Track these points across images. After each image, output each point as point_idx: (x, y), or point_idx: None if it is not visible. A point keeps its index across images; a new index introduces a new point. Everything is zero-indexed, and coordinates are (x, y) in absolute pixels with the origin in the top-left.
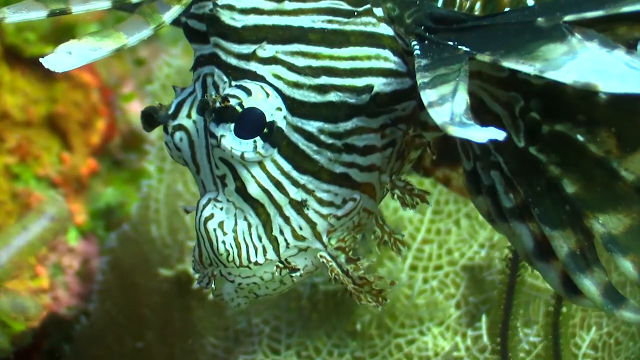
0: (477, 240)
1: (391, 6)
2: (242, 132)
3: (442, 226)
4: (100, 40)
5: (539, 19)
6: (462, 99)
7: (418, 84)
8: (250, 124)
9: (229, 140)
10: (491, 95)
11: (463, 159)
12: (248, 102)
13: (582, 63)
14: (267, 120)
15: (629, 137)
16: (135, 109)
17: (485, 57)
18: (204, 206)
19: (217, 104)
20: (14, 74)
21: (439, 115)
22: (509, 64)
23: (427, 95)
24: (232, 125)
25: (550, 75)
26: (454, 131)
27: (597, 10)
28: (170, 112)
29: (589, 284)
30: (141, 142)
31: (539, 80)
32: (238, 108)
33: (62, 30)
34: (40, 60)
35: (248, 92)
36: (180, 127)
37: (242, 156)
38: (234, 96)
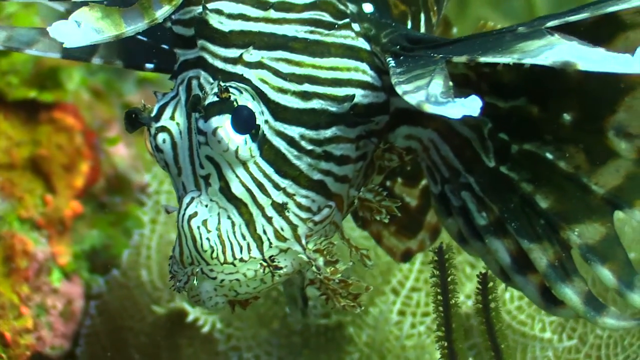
0: (463, 291)
1: (368, 26)
2: (236, 127)
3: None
4: (104, 19)
5: (520, 27)
6: (437, 84)
7: (393, 83)
8: (243, 121)
9: (227, 131)
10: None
11: (430, 183)
12: (241, 100)
13: (560, 50)
14: (257, 121)
15: (596, 153)
16: (120, 152)
17: (461, 58)
18: (188, 204)
19: (213, 97)
20: None
21: (414, 97)
22: (485, 58)
23: (403, 88)
24: (230, 116)
25: (528, 61)
26: (429, 108)
27: (580, 14)
28: (152, 114)
29: (571, 293)
30: (126, 185)
31: (506, 103)
32: (234, 102)
33: (45, 74)
34: (48, 28)
35: (239, 91)
36: (163, 129)
37: (236, 150)
38: (229, 91)
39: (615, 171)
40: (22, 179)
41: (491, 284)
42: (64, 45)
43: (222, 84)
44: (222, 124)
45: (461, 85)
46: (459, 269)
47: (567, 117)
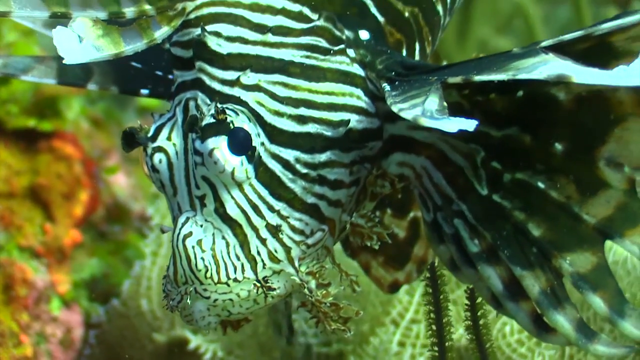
0: (462, 325)
1: (364, 52)
2: (232, 149)
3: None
4: (104, 37)
5: (514, 49)
6: (433, 101)
7: (389, 103)
8: (239, 142)
9: (223, 152)
10: (452, 147)
11: (422, 211)
12: (237, 122)
13: (554, 65)
14: (252, 143)
15: (587, 183)
16: (119, 181)
17: (456, 79)
18: (183, 224)
19: (210, 119)
20: None
21: (410, 113)
22: (481, 77)
23: (398, 106)
24: (226, 138)
25: (523, 76)
26: (425, 122)
27: (574, 33)
28: (149, 135)
29: (562, 320)
30: (125, 214)
31: (498, 132)
32: (230, 124)
33: (44, 103)
34: (53, 31)
35: (236, 113)
36: (160, 149)
37: (232, 172)
38: (225, 113)
39: (606, 202)
40: (22, 208)
41: (479, 299)
42: (63, 62)
43: (219, 105)
44: (219, 145)
45: (454, 114)
46: (458, 303)
47: (558, 146)
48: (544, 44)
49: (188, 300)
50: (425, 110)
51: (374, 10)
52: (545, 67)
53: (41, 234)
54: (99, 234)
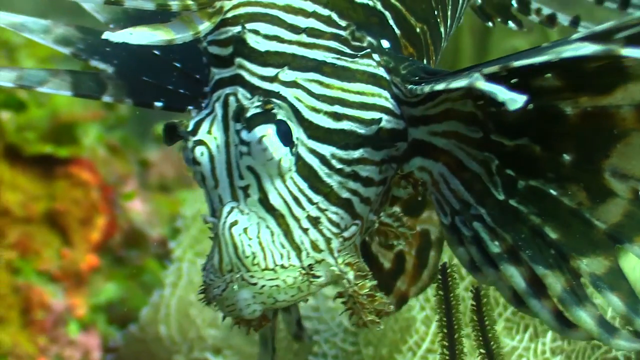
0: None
1: (387, 59)
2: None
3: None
4: (154, 30)
5: (544, 44)
6: (479, 77)
7: (429, 89)
8: (282, 134)
9: (272, 139)
10: (468, 154)
11: (440, 214)
12: (280, 115)
13: (595, 46)
14: (293, 137)
15: (595, 191)
16: (136, 207)
17: (493, 68)
18: (229, 213)
19: (256, 109)
20: (14, 171)
21: (461, 81)
22: (519, 63)
23: (442, 85)
24: (274, 126)
25: (568, 54)
26: (483, 85)
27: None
28: (189, 129)
29: (585, 316)
30: (142, 239)
31: (510, 141)
32: (277, 115)
33: (61, 129)
34: (105, 36)
35: (279, 106)
36: (201, 142)
37: (280, 160)
38: (271, 103)
39: (614, 209)
40: (39, 233)
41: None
42: (123, 40)
43: (263, 98)
44: (267, 132)
45: (469, 123)
46: (470, 338)
47: (566, 157)
48: (575, 36)
49: (235, 287)
50: (479, 77)
51: (391, 22)
52: (587, 48)
53: (58, 258)
54: (116, 259)
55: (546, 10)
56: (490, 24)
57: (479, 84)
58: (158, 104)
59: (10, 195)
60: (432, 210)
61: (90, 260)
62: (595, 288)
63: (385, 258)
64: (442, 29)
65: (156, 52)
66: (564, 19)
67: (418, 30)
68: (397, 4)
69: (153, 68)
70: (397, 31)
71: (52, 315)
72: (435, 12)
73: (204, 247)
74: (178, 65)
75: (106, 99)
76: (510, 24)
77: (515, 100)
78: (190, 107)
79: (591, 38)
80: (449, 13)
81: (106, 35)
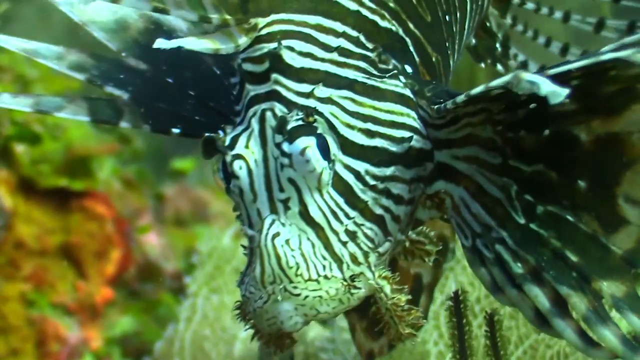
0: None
1: (412, 82)
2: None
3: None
4: (201, 39)
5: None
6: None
7: (467, 93)
8: (322, 148)
9: (314, 151)
10: (488, 179)
11: (460, 237)
12: (320, 129)
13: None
14: (331, 152)
15: (608, 220)
16: (151, 240)
17: (530, 74)
18: (270, 224)
19: (298, 121)
20: (29, 204)
21: (502, 79)
22: (557, 70)
23: (486, 86)
24: (315, 139)
25: (607, 57)
26: (527, 76)
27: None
28: (226, 144)
29: (610, 335)
30: (157, 273)
31: (528, 167)
32: (317, 128)
33: (75, 162)
34: (157, 44)
35: (318, 121)
36: (239, 157)
37: (321, 172)
38: (314, 116)
39: (628, 237)
40: (54, 266)
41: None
42: (177, 46)
43: (306, 109)
44: (309, 144)
45: (489, 149)
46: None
47: (581, 184)
48: (606, 48)
49: (279, 298)
50: (518, 74)
51: (412, 48)
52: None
53: (73, 291)
54: (131, 292)
55: (520, 57)
56: (482, 65)
57: (523, 75)
58: (175, 130)
59: (25, 228)
60: None
61: (105, 293)
62: (617, 309)
63: None
64: (451, 61)
65: (169, 79)
66: (533, 67)
67: (434, 59)
68: (417, 31)
69: (168, 95)
70: (417, 58)
71: (67, 348)
72: (447, 44)
73: (219, 283)
74: (192, 93)
75: (123, 124)
76: (499, 66)
77: (558, 93)
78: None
79: (624, 46)
80: (455, 47)
81: (158, 43)
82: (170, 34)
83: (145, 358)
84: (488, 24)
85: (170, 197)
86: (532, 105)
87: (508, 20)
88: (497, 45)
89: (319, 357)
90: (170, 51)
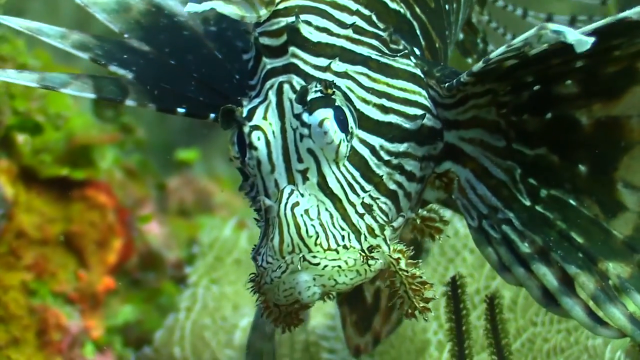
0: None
1: (421, 62)
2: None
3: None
4: (228, 3)
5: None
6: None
7: (482, 64)
8: (339, 120)
9: (332, 122)
10: (493, 162)
11: (466, 217)
12: (337, 101)
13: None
14: (349, 125)
15: (607, 205)
16: (153, 230)
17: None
18: (290, 194)
19: (318, 93)
20: (30, 194)
21: (526, 34)
22: (587, 29)
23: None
24: (332, 111)
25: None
26: (553, 27)
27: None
28: (244, 115)
29: (618, 313)
30: (159, 262)
31: (531, 151)
32: (335, 101)
33: (77, 151)
34: (188, 8)
35: (337, 93)
36: (258, 128)
37: (339, 144)
38: (332, 87)
39: (625, 223)
40: (55, 255)
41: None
42: (208, 8)
43: (325, 81)
44: (327, 115)
45: (493, 131)
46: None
47: (582, 168)
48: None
49: (298, 267)
50: (543, 26)
51: (418, 32)
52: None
53: (75, 280)
54: (133, 282)
55: None
56: (469, 60)
57: (549, 25)
58: (181, 110)
59: (26, 217)
60: None
61: (106, 282)
62: (622, 289)
63: (368, 291)
64: (448, 51)
65: (172, 61)
66: None
67: (437, 45)
68: (422, 16)
69: (171, 77)
70: (423, 42)
71: (68, 337)
72: (446, 32)
73: (219, 274)
74: (195, 75)
75: (129, 102)
76: None
77: (584, 41)
78: (211, 115)
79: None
80: (452, 37)
81: (189, 7)
82: (171, 17)
83: (146, 347)
84: (473, 20)
85: (175, 188)
86: (537, 88)
87: (485, 17)
88: (479, 40)
89: (320, 345)
90: (173, 34)
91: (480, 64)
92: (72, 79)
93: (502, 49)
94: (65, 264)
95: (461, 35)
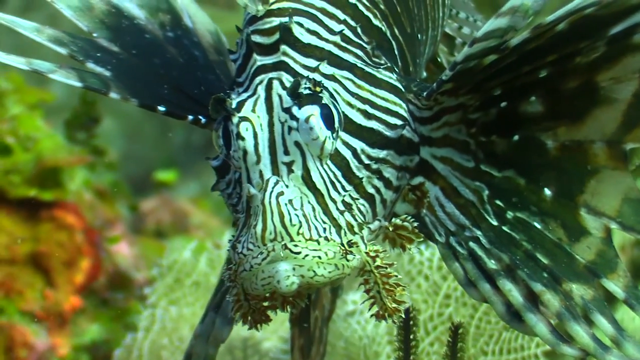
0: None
1: (400, 78)
2: (323, 121)
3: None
4: None
5: None
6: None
7: (461, 56)
8: (326, 118)
9: (318, 119)
10: (461, 182)
11: (434, 233)
12: (325, 99)
13: None
14: (335, 124)
15: (571, 229)
16: (122, 250)
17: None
18: (275, 184)
19: (306, 90)
20: None
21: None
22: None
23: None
24: (319, 108)
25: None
26: None
27: None
28: (233, 107)
29: (582, 331)
30: (127, 282)
31: (499, 173)
32: (323, 98)
33: (46, 173)
34: None
35: (325, 92)
36: (246, 119)
37: (324, 141)
38: (321, 86)
39: (588, 248)
40: (23, 274)
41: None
42: None
43: (313, 79)
44: (314, 112)
45: (461, 151)
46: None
47: (547, 191)
48: None
49: (281, 253)
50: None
51: (396, 52)
52: None
53: (42, 299)
54: (101, 301)
55: None
56: None
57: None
58: (161, 108)
59: None
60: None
61: (73, 302)
62: (585, 310)
63: (313, 319)
64: (422, 75)
65: (141, 63)
66: None
67: (411, 69)
68: (401, 38)
69: (145, 78)
70: (400, 63)
71: (34, 354)
72: (418, 60)
73: (178, 295)
74: (165, 78)
75: (113, 95)
76: None
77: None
78: (190, 117)
79: None
80: (422, 66)
81: None
82: (131, 20)
83: None
84: (439, 59)
85: (152, 208)
86: (504, 104)
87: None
88: (456, 53)
89: None
90: (136, 36)
91: (459, 57)
92: (57, 68)
93: (489, 23)
94: (33, 283)
95: (424, 74)
